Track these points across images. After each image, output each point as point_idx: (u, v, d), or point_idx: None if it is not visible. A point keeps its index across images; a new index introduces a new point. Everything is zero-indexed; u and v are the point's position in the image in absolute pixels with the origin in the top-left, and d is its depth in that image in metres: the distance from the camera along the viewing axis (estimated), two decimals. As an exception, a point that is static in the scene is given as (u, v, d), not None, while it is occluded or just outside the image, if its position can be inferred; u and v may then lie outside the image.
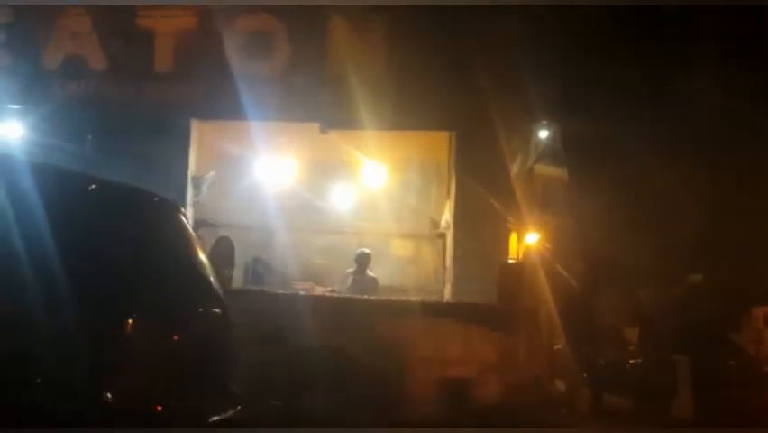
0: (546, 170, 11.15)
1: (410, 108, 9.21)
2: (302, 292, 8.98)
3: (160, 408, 3.50)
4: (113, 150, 9.68)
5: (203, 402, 3.86)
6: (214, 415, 3.95)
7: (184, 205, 9.55)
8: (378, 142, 9.85)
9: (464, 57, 9.21)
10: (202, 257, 4.46)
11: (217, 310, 4.22)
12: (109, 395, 3.25)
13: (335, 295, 9.32)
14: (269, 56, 9.52)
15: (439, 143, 10.15)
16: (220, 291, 4.38)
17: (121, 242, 3.70)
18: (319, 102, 9.44)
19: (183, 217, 4.57)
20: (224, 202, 10.09)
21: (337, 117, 9.49)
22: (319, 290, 9.48)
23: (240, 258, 9.59)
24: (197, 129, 9.86)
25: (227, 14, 9.52)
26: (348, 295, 9.35)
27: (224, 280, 8.83)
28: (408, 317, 8.07)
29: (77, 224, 3.61)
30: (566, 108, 9.80)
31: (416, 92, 9.19)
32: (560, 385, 8.96)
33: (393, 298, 9.18)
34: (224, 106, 9.43)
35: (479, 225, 9.56)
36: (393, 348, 7.78)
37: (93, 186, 3.98)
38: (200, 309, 4.09)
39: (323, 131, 9.69)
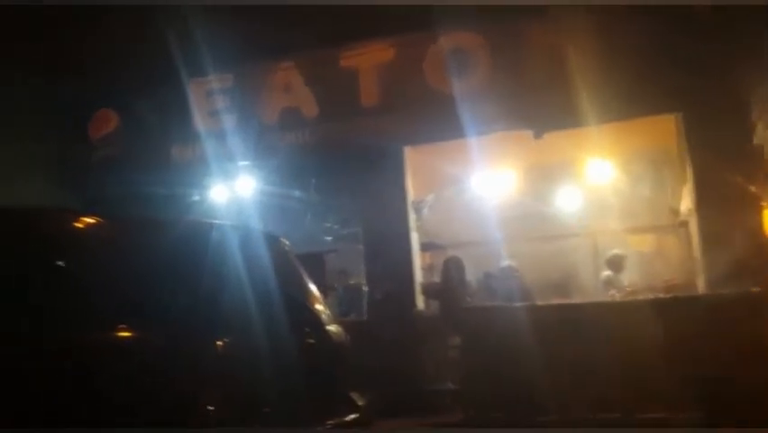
0: (795, 134, 10.04)
1: (627, 97, 8.64)
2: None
3: (267, 409, 4.21)
4: (334, 189, 10.14)
5: (309, 406, 4.47)
6: (328, 418, 4.67)
7: (407, 229, 9.68)
8: (596, 137, 9.35)
9: (676, 32, 8.53)
10: (304, 285, 5.08)
11: (312, 331, 4.87)
12: (210, 407, 3.94)
13: (580, 302, 8.88)
14: (472, 71, 9.39)
15: (664, 127, 9.43)
16: (321, 316, 5.04)
17: (222, 275, 4.34)
18: (529, 107, 9.15)
19: (286, 249, 5.18)
20: (448, 222, 10.10)
21: (550, 120, 9.15)
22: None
23: (471, 275, 9.49)
24: (411, 155, 9.93)
25: (422, 40, 9.57)
26: (592, 301, 8.92)
27: (459, 299, 8.82)
28: (667, 315, 7.46)
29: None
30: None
31: (630, 79, 8.60)
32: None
33: (641, 297, 8.60)
34: (433, 129, 9.44)
35: (725, 207, 8.72)
36: (657, 348, 7.24)
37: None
38: (295, 331, 4.67)
39: (537, 136, 9.38)
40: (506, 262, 9.65)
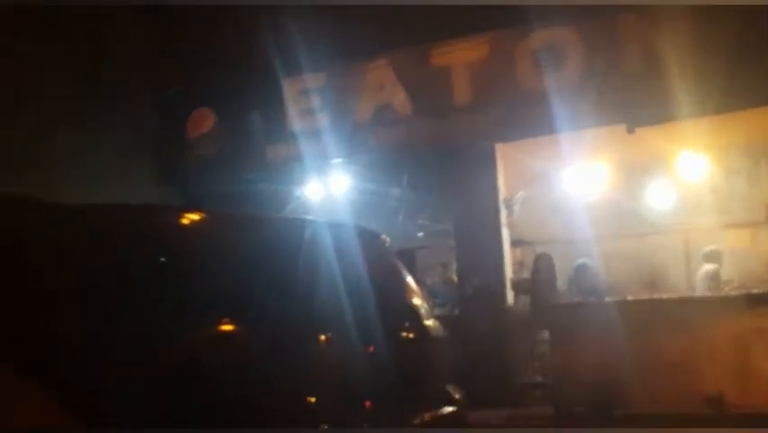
0: None
1: (723, 89, 8.46)
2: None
3: (368, 403, 4.32)
4: (426, 185, 10.29)
5: (408, 399, 4.54)
6: (426, 411, 4.78)
7: (498, 226, 9.76)
8: (691, 131, 9.21)
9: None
10: (403, 281, 5.21)
11: (411, 326, 5.04)
12: (312, 399, 4.06)
13: (668, 297, 8.77)
14: (564, 66, 9.33)
15: (761, 120, 9.19)
16: (419, 311, 5.17)
17: (323, 271, 4.46)
18: (622, 102, 9.08)
19: (386, 245, 5.31)
20: (539, 219, 10.10)
21: (643, 114, 9.03)
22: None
23: (562, 272, 9.50)
24: (502, 152, 9.98)
25: (514, 36, 9.61)
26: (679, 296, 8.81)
27: (549, 295, 8.87)
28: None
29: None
30: None
31: (726, 71, 8.40)
32: None
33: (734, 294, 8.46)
34: (524, 125, 9.48)
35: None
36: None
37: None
38: (394, 326, 4.80)
39: (630, 131, 9.28)
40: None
